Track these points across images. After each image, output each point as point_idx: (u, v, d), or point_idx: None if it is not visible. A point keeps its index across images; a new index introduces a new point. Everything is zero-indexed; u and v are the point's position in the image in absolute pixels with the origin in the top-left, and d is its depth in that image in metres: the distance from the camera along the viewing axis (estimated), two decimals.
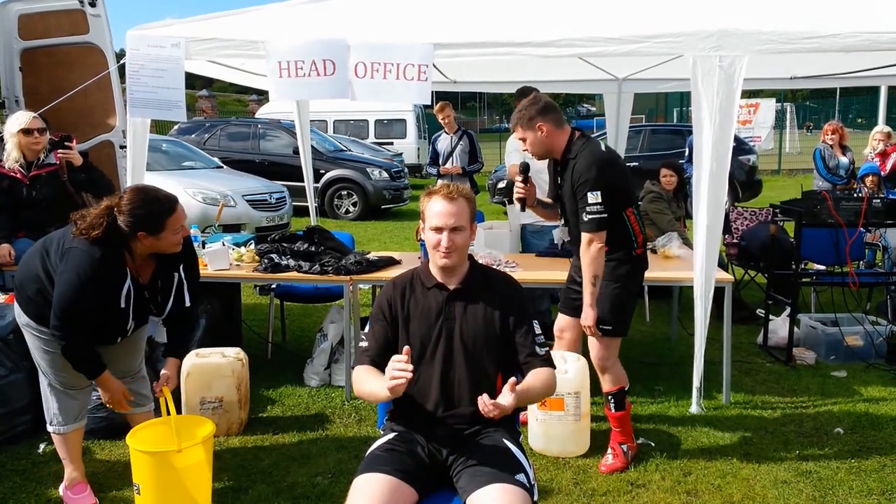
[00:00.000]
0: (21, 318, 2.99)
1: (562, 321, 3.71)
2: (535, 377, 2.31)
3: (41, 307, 2.87)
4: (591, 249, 3.22)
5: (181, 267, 2.99)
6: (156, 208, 2.73)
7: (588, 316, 3.30)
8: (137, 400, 3.28)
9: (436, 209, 2.35)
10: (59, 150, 4.32)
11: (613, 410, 3.48)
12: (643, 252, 3.44)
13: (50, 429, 3.10)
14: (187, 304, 3.03)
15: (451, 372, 2.36)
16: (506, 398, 2.09)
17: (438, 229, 2.34)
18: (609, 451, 3.49)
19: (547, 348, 2.41)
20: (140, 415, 3.31)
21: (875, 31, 3.64)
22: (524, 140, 3.36)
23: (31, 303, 2.91)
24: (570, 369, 3.57)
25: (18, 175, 4.23)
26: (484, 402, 2.08)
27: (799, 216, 4.84)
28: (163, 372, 3.05)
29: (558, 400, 3.51)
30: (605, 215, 3.17)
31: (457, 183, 2.47)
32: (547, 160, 3.51)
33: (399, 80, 3.91)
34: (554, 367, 2.40)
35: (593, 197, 3.17)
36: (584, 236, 3.23)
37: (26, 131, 4.19)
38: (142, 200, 2.73)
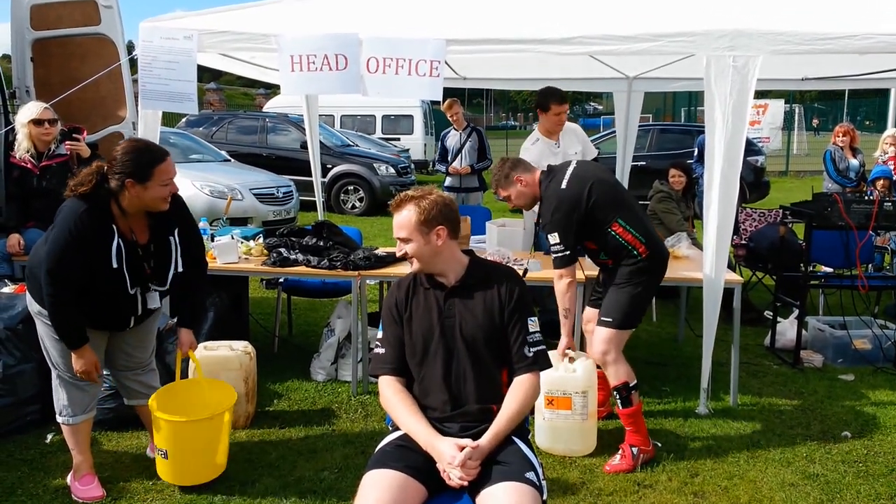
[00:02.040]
0: (32, 306, 3.01)
1: (588, 313, 3.84)
2: (512, 398, 2.33)
3: None
4: (559, 285, 3.46)
5: (176, 232, 3.02)
6: (146, 156, 2.82)
7: (562, 344, 3.52)
8: (147, 392, 3.30)
9: None
10: (68, 142, 4.33)
11: (620, 407, 3.48)
12: (651, 253, 3.45)
13: (59, 420, 3.11)
14: (179, 269, 3.05)
15: (454, 370, 2.37)
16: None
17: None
18: (619, 451, 3.47)
19: (539, 347, 2.40)
20: (147, 408, 3.32)
21: (890, 34, 3.61)
22: (509, 198, 3.60)
23: (42, 289, 2.92)
24: (578, 368, 3.56)
25: (29, 165, 4.25)
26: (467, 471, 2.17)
27: (810, 218, 4.82)
28: (181, 338, 3.17)
29: (566, 399, 3.51)
30: (567, 253, 3.39)
31: (423, 188, 2.44)
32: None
33: (411, 75, 3.89)
34: (542, 368, 2.40)
35: (552, 238, 3.42)
36: (554, 273, 3.47)
37: (37, 122, 4.20)
38: (133, 148, 2.84)
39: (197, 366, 3.20)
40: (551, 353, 3.24)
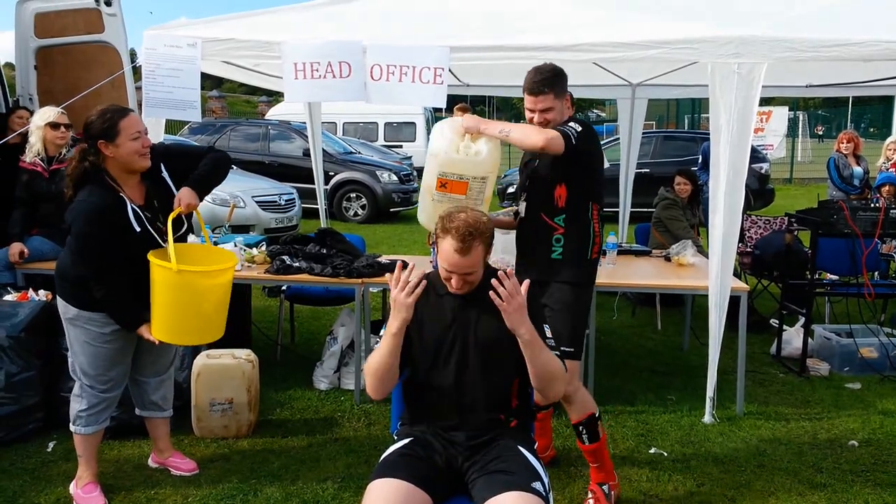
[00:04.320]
0: (69, 312, 2.97)
1: None
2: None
3: (88, 291, 2.88)
4: (544, 133, 2.89)
5: (162, 166, 3.03)
6: (107, 115, 2.85)
7: (474, 122, 3.09)
8: (164, 405, 3.33)
9: (447, 254, 2.26)
10: (78, 146, 4.35)
11: (587, 443, 3.07)
12: (597, 258, 3.17)
13: (73, 428, 3.09)
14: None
15: (465, 377, 2.34)
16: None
17: (449, 272, 2.29)
18: (589, 494, 3.12)
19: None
20: (158, 420, 3.32)
21: (895, 41, 3.60)
22: (548, 110, 3.03)
23: (77, 288, 2.92)
24: (483, 151, 3.06)
25: (39, 168, 4.26)
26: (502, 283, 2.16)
27: (816, 225, 4.80)
28: (180, 194, 2.97)
29: (461, 184, 3.05)
30: (571, 139, 2.89)
31: (471, 212, 2.33)
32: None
33: (415, 83, 3.89)
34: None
35: (573, 123, 3.00)
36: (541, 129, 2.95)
37: (54, 125, 4.25)
38: (94, 114, 2.87)
39: (201, 222, 3.17)
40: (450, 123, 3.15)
